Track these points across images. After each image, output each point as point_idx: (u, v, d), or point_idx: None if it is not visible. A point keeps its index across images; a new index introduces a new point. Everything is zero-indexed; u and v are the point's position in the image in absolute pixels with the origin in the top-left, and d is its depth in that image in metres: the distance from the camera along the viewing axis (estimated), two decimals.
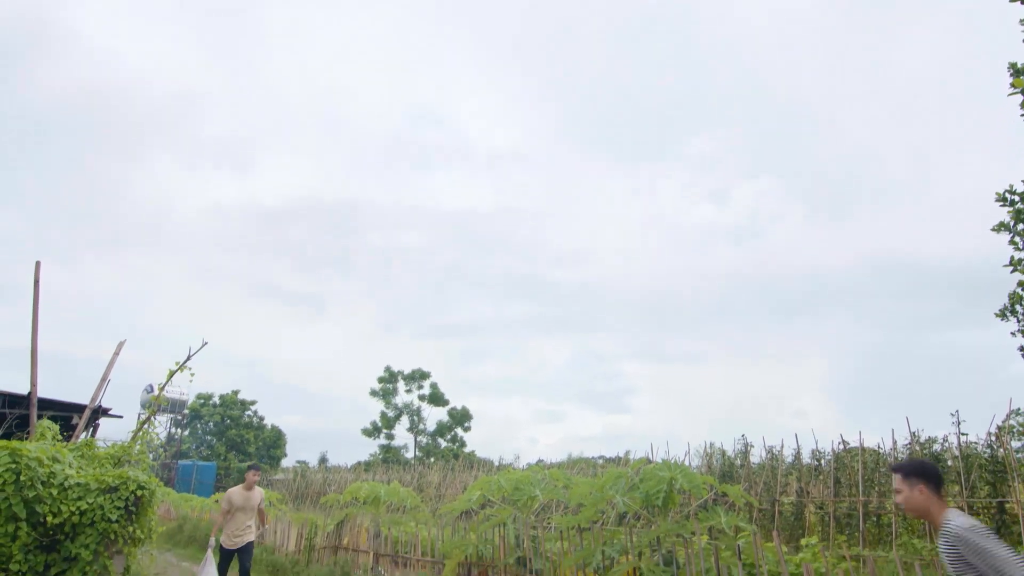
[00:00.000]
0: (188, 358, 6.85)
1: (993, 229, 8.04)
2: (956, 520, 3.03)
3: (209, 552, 7.00)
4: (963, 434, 11.20)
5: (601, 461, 22.55)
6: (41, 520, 5.06)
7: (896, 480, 3.28)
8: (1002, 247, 7.92)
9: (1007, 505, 10.05)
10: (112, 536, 5.27)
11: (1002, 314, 8.17)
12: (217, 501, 20.38)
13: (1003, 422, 10.80)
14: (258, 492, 7.74)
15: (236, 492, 7.67)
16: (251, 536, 7.50)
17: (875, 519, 11.90)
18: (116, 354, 8.36)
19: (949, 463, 11.76)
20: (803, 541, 8.68)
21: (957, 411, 11.24)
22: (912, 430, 12.21)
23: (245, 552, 7.46)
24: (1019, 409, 10.87)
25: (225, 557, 7.32)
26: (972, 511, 10.54)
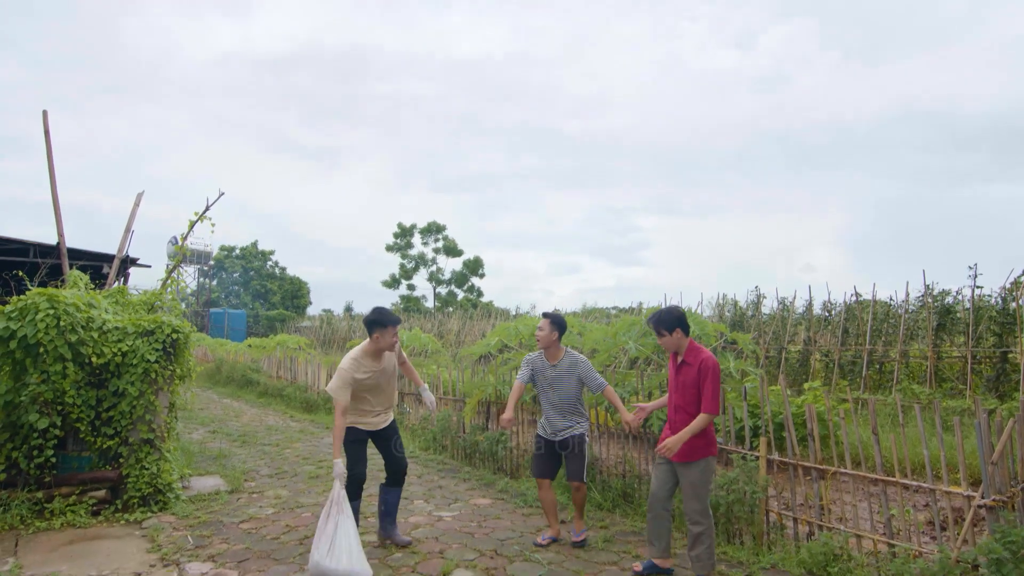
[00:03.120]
0: (207, 208, 6.88)
1: None
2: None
3: (339, 489, 4.12)
4: (978, 287, 11.24)
5: (615, 312, 23.18)
6: (87, 361, 5.39)
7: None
8: None
9: (1009, 355, 10.32)
10: (153, 375, 5.64)
11: None
12: (251, 346, 21.55)
13: (1020, 276, 10.77)
14: (391, 356, 4.82)
15: (359, 363, 4.58)
16: (392, 414, 4.93)
17: (878, 366, 12.34)
18: (136, 205, 8.42)
19: (959, 315, 11.93)
20: (806, 385, 9.08)
21: (975, 264, 11.19)
22: (927, 283, 12.26)
23: (393, 434, 4.88)
24: None
25: (357, 442, 4.67)
26: (975, 360, 10.87)
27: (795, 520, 4.66)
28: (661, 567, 4.15)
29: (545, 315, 4.98)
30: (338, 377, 4.52)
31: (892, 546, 4.11)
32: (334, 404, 4.52)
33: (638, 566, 4.22)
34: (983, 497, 3.66)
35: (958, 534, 3.89)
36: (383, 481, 4.89)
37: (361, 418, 4.70)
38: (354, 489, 4.54)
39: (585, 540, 4.78)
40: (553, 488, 4.99)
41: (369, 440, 4.78)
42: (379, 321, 4.60)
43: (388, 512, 4.83)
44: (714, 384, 3.94)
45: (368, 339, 4.66)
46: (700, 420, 3.93)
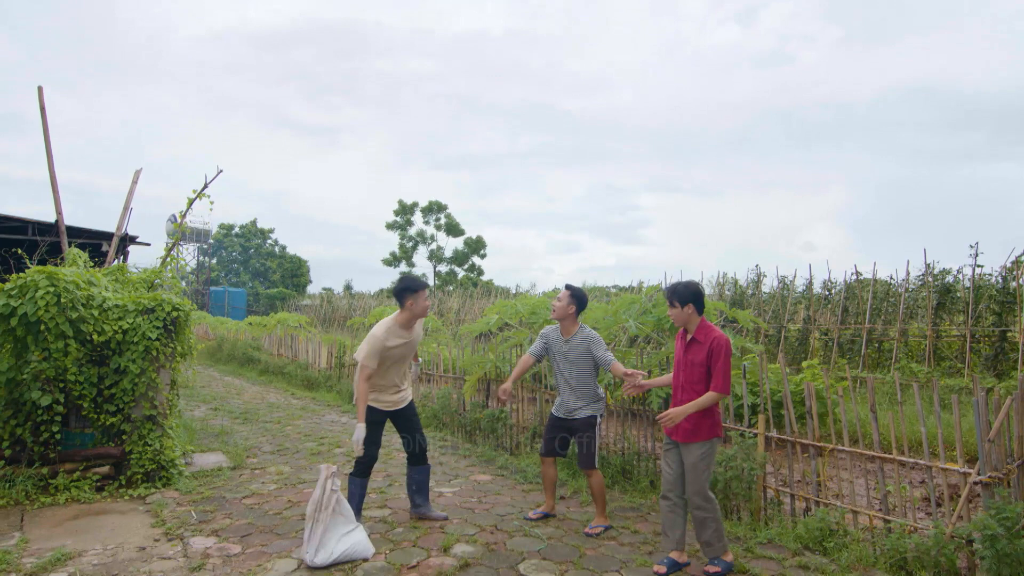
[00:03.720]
0: (205, 186, 6.84)
1: None
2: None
3: (328, 489, 4.00)
4: (979, 266, 11.22)
5: (615, 290, 23.19)
6: (88, 338, 5.41)
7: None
8: None
9: (1008, 334, 10.34)
10: (155, 353, 5.66)
11: None
12: (251, 324, 21.59)
13: (1021, 255, 10.74)
14: (419, 327, 4.83)
15: (392, 331, 4.56)
16: (411, 391, 4.91)
17: (877, 345, 12.37)
18: (135, 182, 8.36)
19: (959, 294, 11.92)
20: (804, 363, 9.11)
21: (976, 243, 11.15)
22: (928, 262, 12.24)
23: (412, 414, 4.85)
24: None
25: (375, 423, 4.62)
26: (974, 339, 10.90)
27: (792, 496, 4.71)
28: (679, 562, 3.98)
29: (567, 287, 4.80)
30: (369, 344, 4.47)
31: (888, 522, 4.15)
32: (359, 370, 4.47)
33: (661, 568, 3.92)
34: (979, 474, 3.69)
35: (953, 510, 3.93)
36: (407, 461, 4.87)
37: (382, 396, 4.64)
38: (363, 468, 4.59)
39: (597, 535, 4.52)
40: (556, 465, 4.99)
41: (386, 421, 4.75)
42: (409, 287, 4.63)
43: (419, 490, 4.85)
44: (725, 364, 3.84)
45: (398, 311, 4.68)
46: (707, 397, 3.85)
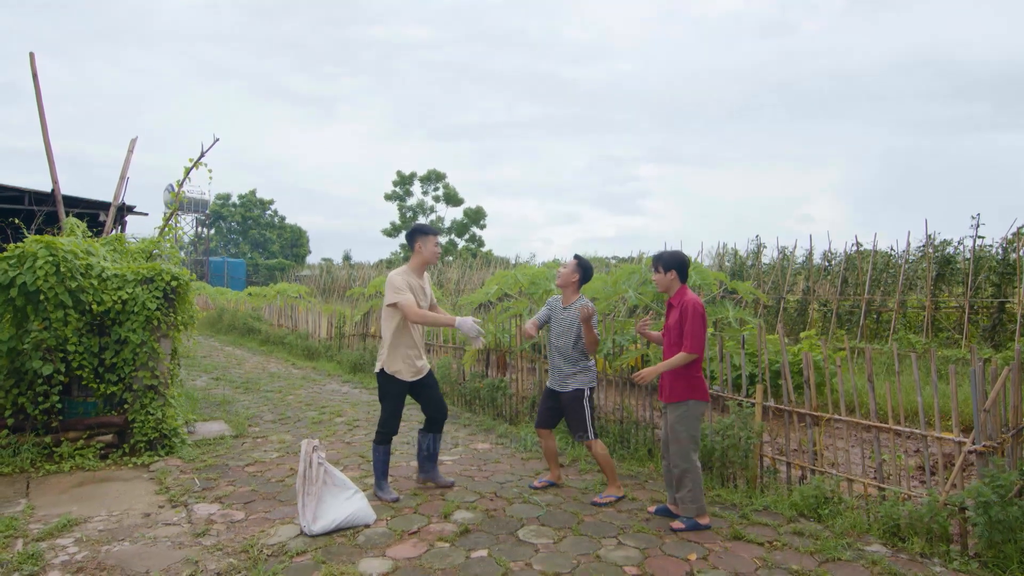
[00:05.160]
0: (202, 155, 6.77)
1: None
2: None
3: (313, 462, 3.98)
4: (980, 237, 11.19)
5: (615, 261, 23.15)
6: (88, 308, 5.41)
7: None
8: None
9: (1007, 305, 10.35)
10: (156, 322, 5.66)
11: None
12: (251, 294, 21.59)
13: (1022, 226, 10.70)
14: (427, 285, 4.86)
15: (405, 274, 4.60)
16: (426, 359, 4.87)
17: (876, 316, 12.40)
18: (130, 151, 8.28)
19: (959, 265, 11.91)
20: (803, 334, 9.15)
21: (978, 214, 11.11)
22: (929, 232, 12.20)
23: (433, 384, 4.84)
24: None
25: (398, 395, 4.61)
26: (973, 310, 10.92)
27: (788, 465, 4.77)
28: (674, 513, 4.23)
29: (575, 256, 4.83)
30: (392, 286, 4.51)
31: (882, 490, 4.21)
32: (405, 308, 4.45)
33: (651, 508, 4.35)
34: (974, 443, 3.73)
35: (947, 478, 3.98)
36: (421, 427, 4.92)
37: (405, 364, 4.62)
38: (385, 436, 4.64)
39: (606, 504, 4.50)
40: (553, 436, 5.01)
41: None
42: (420, 229, 4.72)
43: (430, 456, 4.89)
44: (694, 324, 3.97)
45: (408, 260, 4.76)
46: (677, 357, 4.01)
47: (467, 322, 4.45)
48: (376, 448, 4.68)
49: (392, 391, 4.61)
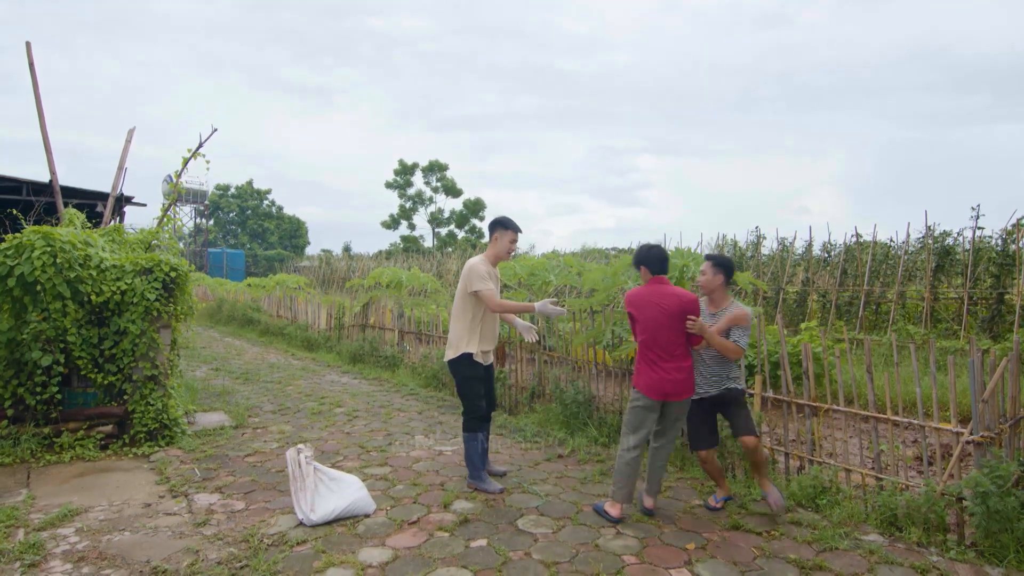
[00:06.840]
0: (200, 145, 6.74)
1: None
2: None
3: (302, 461, 4.10)
4: (979, 228, 11.18)
5: (614, 252, 23.14)
6: (87, 299, 5.40)
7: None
8: None
9: (1006, 296, 10.36)
10: (155, 313, 5.66)
11: None
12: (250, 285, 21.58)
13: (1022, 218, 10.69)
14: (497, 278, 4.84)
15: (483, 263, 4.63)
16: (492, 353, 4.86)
17: (875, 307, 12.41)
18: (128, 141, 8.25)
19: (959, 257, 11.91)
20: (802, 325, 9.15)
21: (978, 205, 11.10)
22: (928, 224, 12.19)
23: (491, 378, 4.89)
24: None
25: (477, 379, 4.62)
26: (972, 301, 10.93)
27: (787, 455, 4.78)
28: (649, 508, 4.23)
29: (708, 257, 4.37)
30: (472, 273, 4.50)
31: (880, 480, 4.23)
32: (486, 298, 4.45)
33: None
34: (972, 433, 3.74)
35: (944, 469, 3.99)
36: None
37: (482, 347, 4.61)
38: (476, 423, 4.58)
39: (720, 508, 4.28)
40: (715, 456, 4.38)
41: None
42: (502, 222, 4.70)
43: (484, 449, 4.76)
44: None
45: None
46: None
47: (547, 305, 4.47)
48: (469, 439, 4.59)
49: (474, 374, 4.59)
